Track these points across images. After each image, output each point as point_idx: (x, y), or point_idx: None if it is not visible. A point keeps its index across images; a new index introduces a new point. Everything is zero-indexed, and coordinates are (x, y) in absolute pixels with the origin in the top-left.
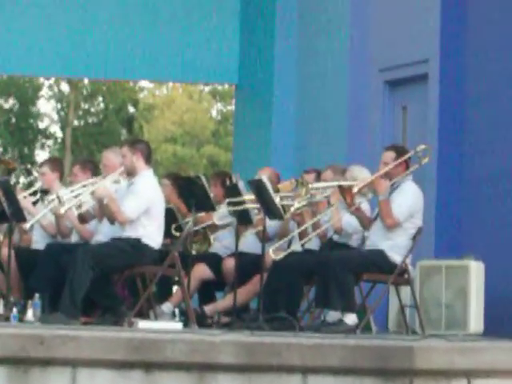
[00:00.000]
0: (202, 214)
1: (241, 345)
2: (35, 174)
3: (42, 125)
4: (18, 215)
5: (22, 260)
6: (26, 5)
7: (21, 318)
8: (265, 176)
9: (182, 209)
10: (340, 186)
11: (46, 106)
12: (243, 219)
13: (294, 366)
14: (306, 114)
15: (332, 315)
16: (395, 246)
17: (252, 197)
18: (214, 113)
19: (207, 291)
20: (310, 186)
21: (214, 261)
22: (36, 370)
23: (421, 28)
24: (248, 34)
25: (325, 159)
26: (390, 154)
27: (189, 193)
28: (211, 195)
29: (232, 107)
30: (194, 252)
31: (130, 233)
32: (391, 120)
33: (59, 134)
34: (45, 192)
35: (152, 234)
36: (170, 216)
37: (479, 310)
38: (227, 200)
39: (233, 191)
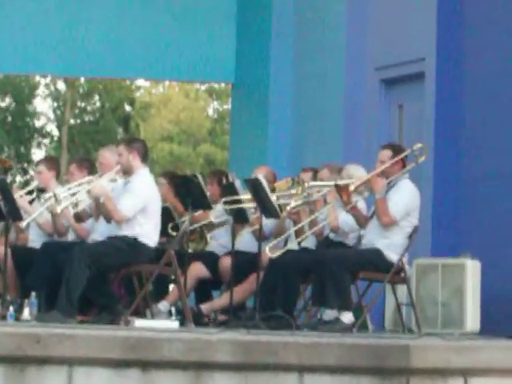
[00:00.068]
0: (198, 213)
1: (237, 343)
2: (32, 172)
3: (38, 123)
4: (15, 214)
5: (18, 258)
6: (22, 3)
7: (17, 317)
8: (261, 175)
9: (179, 207)
10: (336, 185)
11: (42, 104)
12: (239, 218)
13: (290, 364)
14: (302, 112)
15: (328, 314)
16: (391, 245)
17: (248, 196)
18: (210, 111)
19: (204, 290)
20: (307, 184)
21: (211, 259)
22: (32, 369)
23: (417, 26)
24: (244, 33)
25: (321, 158)
26: (387, 153)
27: (185, 191)
28: (207, 194)
29: (228, 106)
30: (190, 251)
31: (126, 231)
32: (387, 118)
33: (55, 133)
34: (41, 191)
35: (148, 233)
36: (167, 215)
37: (475, 309)
38: (223, 199)
39: (229, 190)
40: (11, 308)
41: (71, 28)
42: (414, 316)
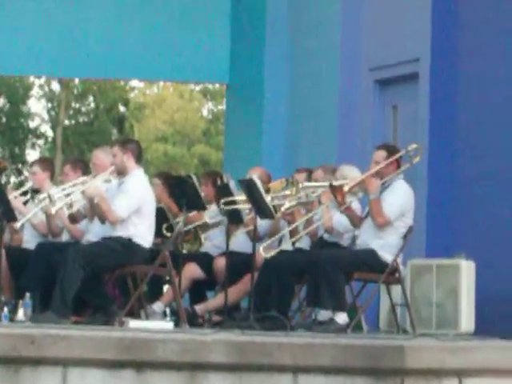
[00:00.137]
0: (192, 214)
1: (232, 344)
2: (26, 173)
3: (32, 124)
4: (9, 215)
5: (12, 259)
6: (17, 5)
7: (12, 318)
8: (255, 175)
9: (173, 208)
10: (331, 185)
11: (36, 105)
12: (234, 218)
13: (284, 365)
14: (296, 113)
15: (323, 314)
16: (386, 245)
17: (243, 196)
18: (204, 112)
19: (198, 290)
20: (301, 185)
21: (205, 260)
22: (27, 370)
23: (411, 27)
24: (239, 34)
25: (316, 159)
26: (382, 153)
27: (180, 192)
28: (202, 195)
29: (223, 106)
30: (184, 251)
31: (120, 232)
32: (382, 119)
33: (50, 134)
34: (36, 192)
35: (143, 234)
36: (161, 215)
37: (470, 309)
38: (222, 200)
39: (224, 191)
40: (5, 309)
41: (65, 29)
42: (408, 316)
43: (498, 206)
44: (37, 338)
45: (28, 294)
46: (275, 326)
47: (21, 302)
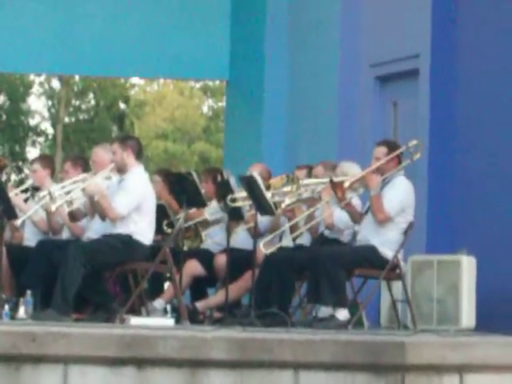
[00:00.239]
0: (193, 210)
1: (233, 341)
2: (26, 171)
3: (32, 122)
4: (10, 212)
5: (13, 257)
6: (17, 3)
7: (12, 316)
8: (256, 172)
9: (173, 205)
10: (331, 181)
11: (36, 103)
12: (234, 215)
13: (285, 361)
14: (296, 109)
15: (324, 311)
16: (387, 241)
17: (243, 193)
18: (205, 109)
19: (199, 287)
20: (301, 182)
21: (206, 257)
22: (28, 367)
23: (411, 23)
24: (239, 31)
25: (316, 155)
26: (382, 150)
27: (180, 189)
28: (202, 191)
29: (223, 103)
30: (185, 248)
31: (121, 229)
32: (382, 116)
33: (50, 131)
34: (36, 189)
35: (143, 231)
36: (162, 212)
37: (471, 305)
38: (228, 197)
39: (224, 187)
40: (6, 307)
41: (65, 26)
42: (409, 312)
43: (498, 202)
44: (38, 335)
45: (29, 292)
46: (276, 322)
47: (22, 299)
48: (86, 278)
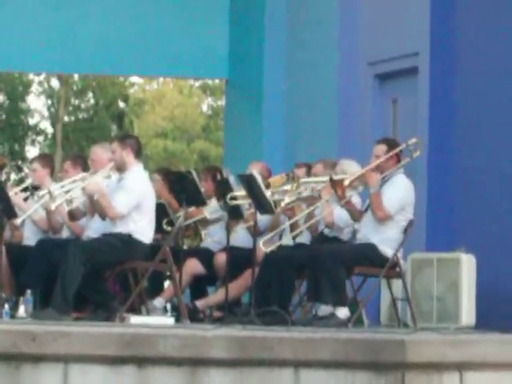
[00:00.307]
0: (192, 209)
1: (233, 339)
2: (26, 170)
3: (32, 121)
4: (9, 212)
5: (13, 256)
6: (16, 2)
7: (12, 315)
8: (256, 170)
9: (173, 204)
10: (331, 179)
11: (36, 102)
12: (234, 214)
13: (286, 360)
14: (296, 108)
15: (324, 309)
16: (386, 240)
17: (243, 192)
18: (204, 107)
19: (199, 286)
20: (301, 180)
21: (206, 256)
22: (28, 367)
23: (411, 21)
24: (238, 29)
25: (316, 153)
26: (382, 147)
27: (180, 188)
28: (202, 190)
29: (222, 102)
30: (185, 247)
31: (120, 228)
32: (381, 114)
33: (50, 130)
34: (36, 188)
35: (143, 229)
36: (161, 211)
37: (471, 303)
38: (229, 195)
39: (223, 186)
40: (6, 306)
41: (65, 25)
42: (409, 310)
43: (497, 200)
44: (38, 334)
45: (29, 291)
46: (276, 320)
47: (21, 298)
48: (86, 276)
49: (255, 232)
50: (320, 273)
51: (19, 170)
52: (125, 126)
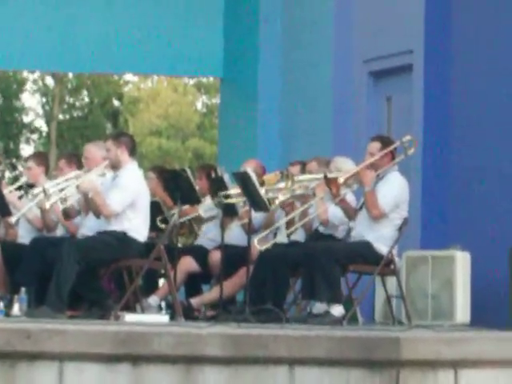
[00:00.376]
0: (186, 207)
1: (227, 337)
2: (20, 168)
3: (26, 119)
4: (4, 210)
5: (7, 254)
6: (10, 0)
7: (7, 313)
8: (250, 168)
9: (168, 202)
10: (326, 177)
11: (30, 100)
12: (229, 211)
13: (280, 357)
14: (291, 106)
15: (318, 307)
16: (381, 237)
17: (237, 189)
18: (199, 106)
19: (193, 284)
20: (296, 178)
21: (200, 253)
22: (23, 365)
23: (405, 18)
24: (233, 27)
25: (310, 151)
26: (376, 145)
27: (174, 186)
28: (197, 188)
29: (217, 100)
30: (179, 245)
31: (115, 226)
32: (376, 111)
33: (44, 128)
34: (30, 186)
35: (137, 227)
36: (156, 209)
37: (465, 301)
38: (222, 193)
39: (218, 184)
40: (1, 304)
41: (59, 24)
42: (404, 308)
43: (492, 197)
44: (32, 332)
45: (23, 289)
46: (270, 318)
47: (16, 296)
48: (81, 275)
49: (250, 230)
50: (315, 270)
51: (14, 168)
52: (119, 124)
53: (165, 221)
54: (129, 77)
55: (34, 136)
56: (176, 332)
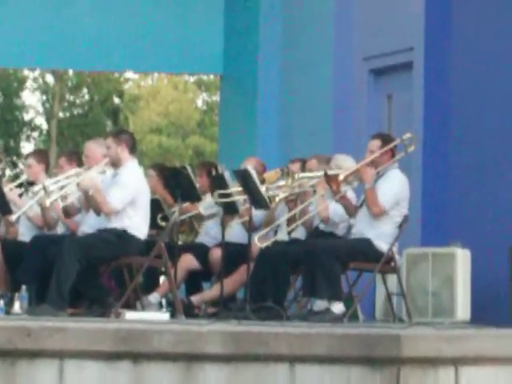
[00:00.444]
0: (187, 204)
1: (228, 334)
2: (21, 166)
3: (27, 117)
4: (4, 208)
5: (8, 252)
6: None
7: (8, 311)
8: (250, 166)
9: (168, 199)
10: (326, 174)
11: (30, 97)
12: (229, 209)
13: (281, 355)
14: (291, 103)
15: (319, 304)
16: (381, 235)
17: (238, 187)
18: (199, 103)
19: (194, 281)
20: (296, 175)
21: (201, 251)
22: (23, 363)
23: (405, 16)
24: (232, 25)
25: (311, 149)
26: (376, 143)
27: (174, 183)
28: (197, 185)
29: (217, 97)
30: (180, 243)
31: (115, 224)
32: (376, 109)
33: (44, 126)
34: (31, 184)
35: (138, 225)
36: (156, 207)
37: (466, 298)
38: (218, 192)
39: (218, 181)
40: (1, 302)
41: (59, 21)
42: (404, 305)
43: (492, 195)
44: (33, 330)
45: (24, 287)
46: (271, 316)
47: (17, 294)
48: (81, 272)
49: (250, 227)
50: (315, 268)
51: (14, 165)
52: (120, 121)
53: (165, 218)
54: (129, 74)
55: (35, 134)
56: (176, 329)
